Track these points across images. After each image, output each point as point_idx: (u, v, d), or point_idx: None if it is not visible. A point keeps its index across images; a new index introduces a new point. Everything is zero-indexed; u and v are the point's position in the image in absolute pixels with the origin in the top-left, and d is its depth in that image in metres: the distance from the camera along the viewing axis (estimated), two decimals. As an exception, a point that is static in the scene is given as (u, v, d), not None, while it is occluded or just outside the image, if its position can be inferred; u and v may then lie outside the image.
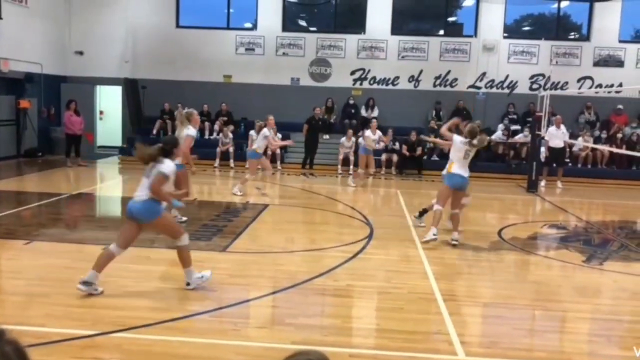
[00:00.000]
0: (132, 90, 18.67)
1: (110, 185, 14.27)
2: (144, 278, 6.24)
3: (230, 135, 16.85)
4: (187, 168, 8.40)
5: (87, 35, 18.48)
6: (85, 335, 4.69)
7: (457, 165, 8.03)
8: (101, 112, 19.60)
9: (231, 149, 16.65)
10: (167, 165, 5.55)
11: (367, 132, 14.41)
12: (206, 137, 17.85)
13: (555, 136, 14.77)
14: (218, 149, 16.70)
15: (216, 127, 17.79)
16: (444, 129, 8.68)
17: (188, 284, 5.79)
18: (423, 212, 9.18)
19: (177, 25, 18.91)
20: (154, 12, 18.71)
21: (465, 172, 8.06)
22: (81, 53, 18.60)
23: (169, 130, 17.94)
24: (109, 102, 19.48)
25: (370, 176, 14.56)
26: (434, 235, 7.87)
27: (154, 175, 5.48)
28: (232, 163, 16.54)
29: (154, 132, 17.96)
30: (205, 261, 6.97)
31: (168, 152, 5.67)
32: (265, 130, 11.56)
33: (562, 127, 15.27)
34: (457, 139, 8.10)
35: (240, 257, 7.35)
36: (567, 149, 15.92)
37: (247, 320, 5.35)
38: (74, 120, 15.70)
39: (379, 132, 14.69)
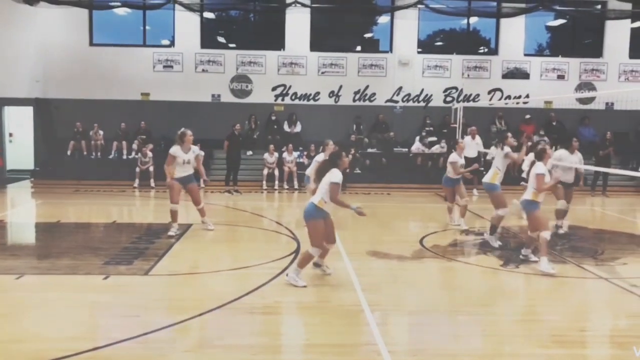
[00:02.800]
0: (44, 110, 17.86)
1: (21, 211, 13.52)
2: (62, 306, 5.94)
3: (150, 154, 16.42)
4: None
5: (-8, 55, 17.53)
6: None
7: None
8: (10, 135, 18.62)
9: (151, 169, 16.22)
10: (335, 175, 6.63)
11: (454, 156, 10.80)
12: (124, 157, 17.35)
13: (470, 146, 15.37)
14: (137, 169, 16.24)
15: (134, 146, 17.32)
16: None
17: (287, 275, 6.89)
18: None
19: (91, 43, 18.32)
20: (65, 30, 18.02)
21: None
22: (-15, 73, 17.61)
23: (84, 150, 17.35)
24: (19, 123, 18.53)
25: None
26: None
27: (327, 185, 6.60)
28: (152, 183, 16.11)
29: (68, 152, 17.29)
30: (127, 286, 6.75)
31: (334, 163, 6.78)
32: None
33: (478, 137, 15.95)
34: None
35: (164, 280, 7.16)
36: (482, 159, 16.59)
37: (173, 344, 5.20)
38: (-21, 144, 14.82)
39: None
